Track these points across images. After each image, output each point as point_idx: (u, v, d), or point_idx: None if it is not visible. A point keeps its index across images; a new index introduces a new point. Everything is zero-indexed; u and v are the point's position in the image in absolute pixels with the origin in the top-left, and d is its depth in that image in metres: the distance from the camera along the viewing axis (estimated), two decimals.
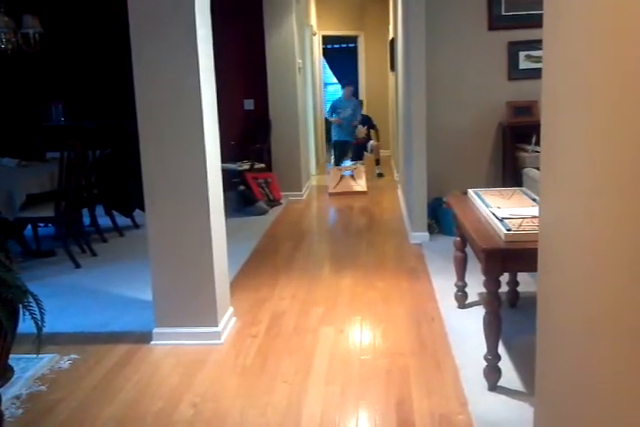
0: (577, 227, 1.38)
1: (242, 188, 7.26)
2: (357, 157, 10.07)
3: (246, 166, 7.54)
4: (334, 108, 9.95)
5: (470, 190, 3.86)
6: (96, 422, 2.82)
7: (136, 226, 6.41)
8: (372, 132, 10.32)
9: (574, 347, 1.41)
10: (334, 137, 10.15)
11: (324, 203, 8.05)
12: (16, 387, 3.14)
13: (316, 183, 9.33)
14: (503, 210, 3.25)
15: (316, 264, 5.23)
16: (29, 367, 3.34)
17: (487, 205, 3.39)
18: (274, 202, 7.53)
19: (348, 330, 3.75)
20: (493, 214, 3.16)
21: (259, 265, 5.12)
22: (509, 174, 5.76)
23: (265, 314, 4.03)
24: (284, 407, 2.88)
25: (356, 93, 10.97)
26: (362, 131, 9.97)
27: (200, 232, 3.52)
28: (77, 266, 5.16)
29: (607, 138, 1.21)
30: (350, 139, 9.97)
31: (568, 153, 1.43)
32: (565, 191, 1.46)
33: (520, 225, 2.94)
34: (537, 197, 3.43)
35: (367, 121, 10.19)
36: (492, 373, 2.95)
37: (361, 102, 10.77)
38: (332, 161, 10.18)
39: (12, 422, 2.80)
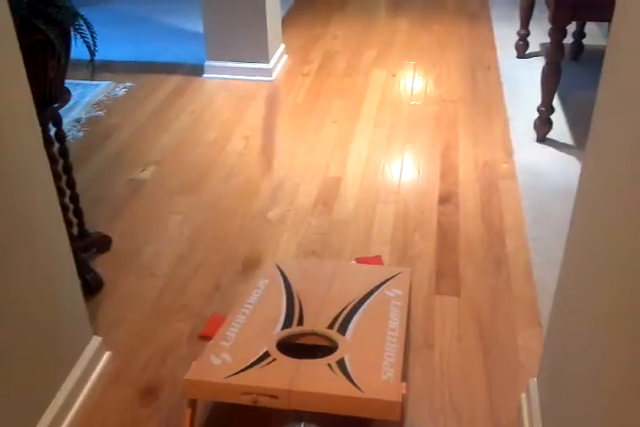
0: None
1: None
2: None
3: None
4: None
5: None
6: (153, 146, 2.96)
7: None
8: None
9: None
10: None
11: None
12: (75, 111, 3.25)
13: None
14: None
15: (372, 4, 4.97)
16: (87, 93, 3.42)
17: None
18: None
19: (401, 74, 3.68)
20: None
21: (312, 2, 4.88)
22: None
23: (317, 53, 3.94)
24: (331, 146, 2.97)
25: None
26: None
27: None
28: None
29: None
30: None
31: None
32: None
33: None
34: None
35: None
36: (543, 124, 2.93)
37: None
38: None
39: (74, 143, 2.95)
